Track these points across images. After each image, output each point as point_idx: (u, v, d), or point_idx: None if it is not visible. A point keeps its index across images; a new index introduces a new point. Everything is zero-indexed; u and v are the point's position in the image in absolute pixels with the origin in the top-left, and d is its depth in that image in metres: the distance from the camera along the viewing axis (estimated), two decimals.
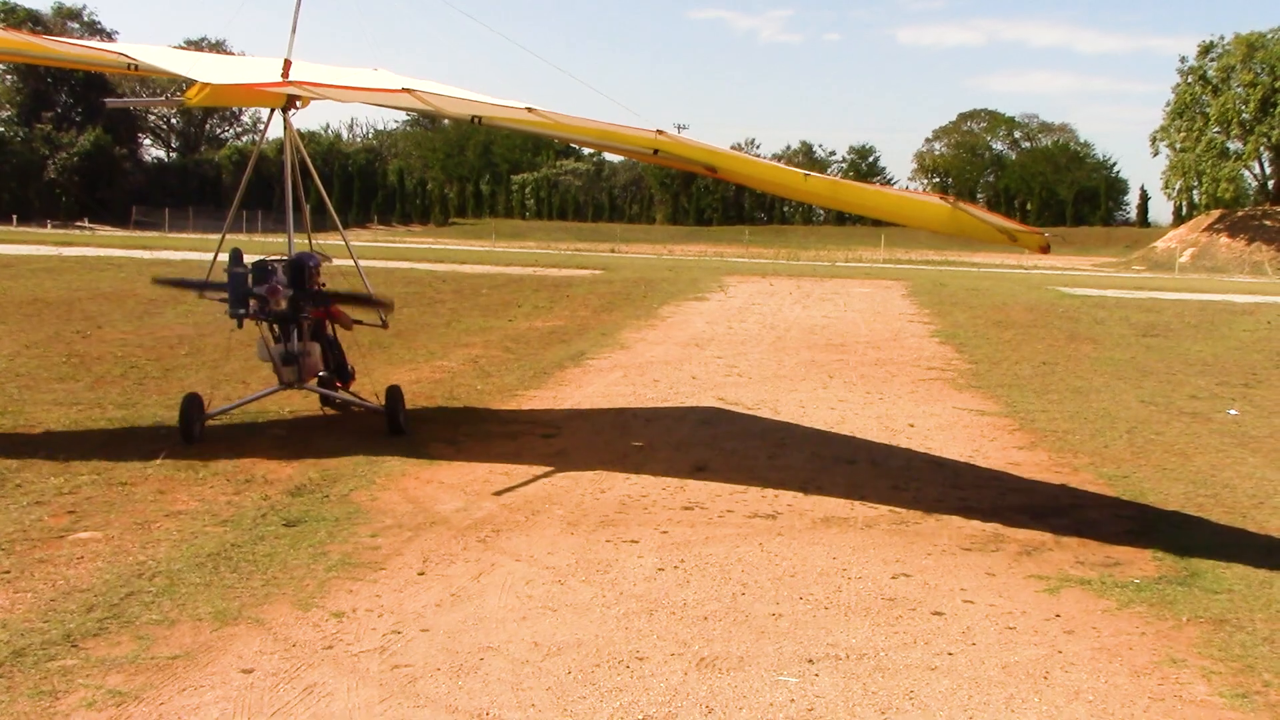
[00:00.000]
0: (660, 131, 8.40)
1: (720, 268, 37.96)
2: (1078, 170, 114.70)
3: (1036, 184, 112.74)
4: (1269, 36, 70.04)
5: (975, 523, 7.45)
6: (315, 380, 10.17)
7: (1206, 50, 72.59)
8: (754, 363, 14.90)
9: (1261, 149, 71.09)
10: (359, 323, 10.71)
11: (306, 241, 10.74)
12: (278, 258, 9.85)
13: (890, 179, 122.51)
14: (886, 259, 58.34)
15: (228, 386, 11.46)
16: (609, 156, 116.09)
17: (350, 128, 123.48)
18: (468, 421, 10.18)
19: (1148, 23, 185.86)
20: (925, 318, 21.98)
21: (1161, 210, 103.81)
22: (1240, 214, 71.75)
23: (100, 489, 7.54)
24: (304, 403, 10.69)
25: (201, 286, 10.47)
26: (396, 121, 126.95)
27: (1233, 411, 12.32)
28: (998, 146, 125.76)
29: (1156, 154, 76.90)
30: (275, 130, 11.23)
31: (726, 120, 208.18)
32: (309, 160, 11.16)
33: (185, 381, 11.67)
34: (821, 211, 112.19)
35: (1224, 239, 69.28)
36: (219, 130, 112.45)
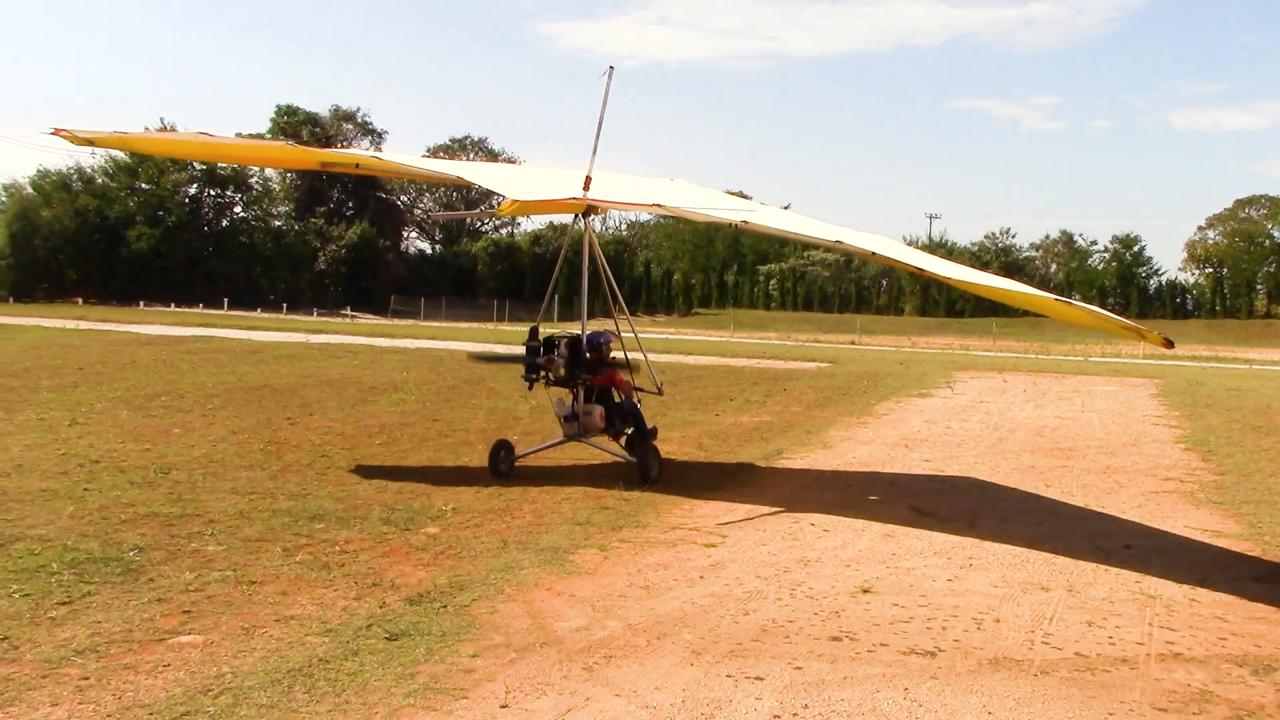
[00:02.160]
0: (875, 254, 10.96)
1: (957, 362, 36.27)
2: None
3: None
4: None
5: (1180, 675, 6.26)
6: (602, 436, 12.61)
7: None
8: (964, 467, 13.72)
9: None
10: (640, 389, 13.05)
11: (615, 324, 13.96)
12: (566, 335, 12.69)
13: (1157, 269, 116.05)
14: (1146, 354, 54.64)
15: (406, 479, 11.35)
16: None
17: (603, 219, 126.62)
18: (629, 526, 9.57)
19: None
20: (1173, 420, 20.03)
21: None
22: None
23: (228, 587, 7.31)
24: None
25: (507, 360, 13.64)
26: (650, 215, 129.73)
27: None
28: (1279, 234, 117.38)
29: None
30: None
31: (983, 209, 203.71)
32: (603, 258, 13.64)
33: (367, 474, 11.61)
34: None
35: None
36: (479, 224, 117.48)
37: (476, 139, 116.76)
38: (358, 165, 15.63)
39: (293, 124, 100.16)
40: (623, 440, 12.71)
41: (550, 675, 5.86)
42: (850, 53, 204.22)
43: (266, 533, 8.86)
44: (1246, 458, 15.21)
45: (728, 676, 5.93)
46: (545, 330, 12.96)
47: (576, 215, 13.21)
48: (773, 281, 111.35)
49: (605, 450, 12.66)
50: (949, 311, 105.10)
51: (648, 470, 11.74)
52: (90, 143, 13.67)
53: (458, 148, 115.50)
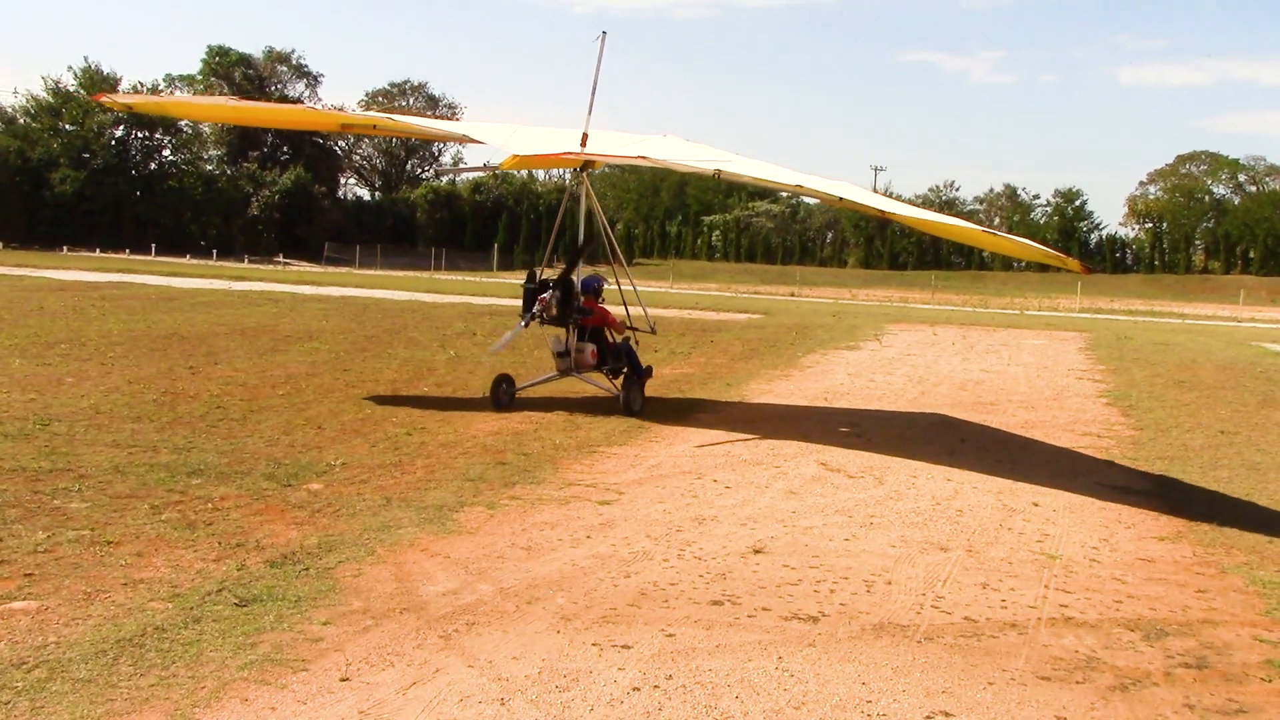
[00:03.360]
0: (841, 199, 12.60)
1: (891, 314, 36.16)
2: None
3: (1261, 230, 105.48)
4: None
5: (1069, 640, 6.02)
6: (594, 372, 13.65)
7: None
8: (883, 419, 13.50)
9: None
10: (634, 329, 14.15)
11: (610, 269, 15.11)
12: (560, 279, 13.46)
13: (1098, 223, 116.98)
14: (1083, 308, 55.07)
15: (299, 432, 10.91)
16: (806, 199, 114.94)
17: (547, 170, 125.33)
18: (523, 482, 9.19)
19: None
20: (1097, 374, 19.96)
21: None
22: None
23: (80, 548, 6.83)
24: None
25: (523, 321, 13.77)
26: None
27: None
28: (1219, 191, 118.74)
29: None
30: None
31: (929, 162, 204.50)
32: (600, 210, 14.67)
33: (260, 425, 11.15)
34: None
35: None
36: (419, 170, 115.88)
37: (416, 84, 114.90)
38: (375, 126, 16.05)
39: (224, 65, 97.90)
40: (621, 378, 13.65)
41: (403, 644, 5.49)
42: (799, 4, 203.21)
43: (138, 488, 8.38)
44: (1166, 413, 15.12)
45: (593, 645, 5.59)
46: (543, 274, 14.09)
47: (575, 169, 14.37)
48: (716, 232, 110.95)
49: (596, 385, 13.78)
50: (891, 264, 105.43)
51: (630, 403, 13.01)
52: (130, 108, 14.72)
53: (397, 92, 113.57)
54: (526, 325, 13.77)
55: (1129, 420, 14.38)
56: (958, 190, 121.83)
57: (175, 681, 4.92)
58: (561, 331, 13.64)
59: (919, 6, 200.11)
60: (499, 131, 15.11)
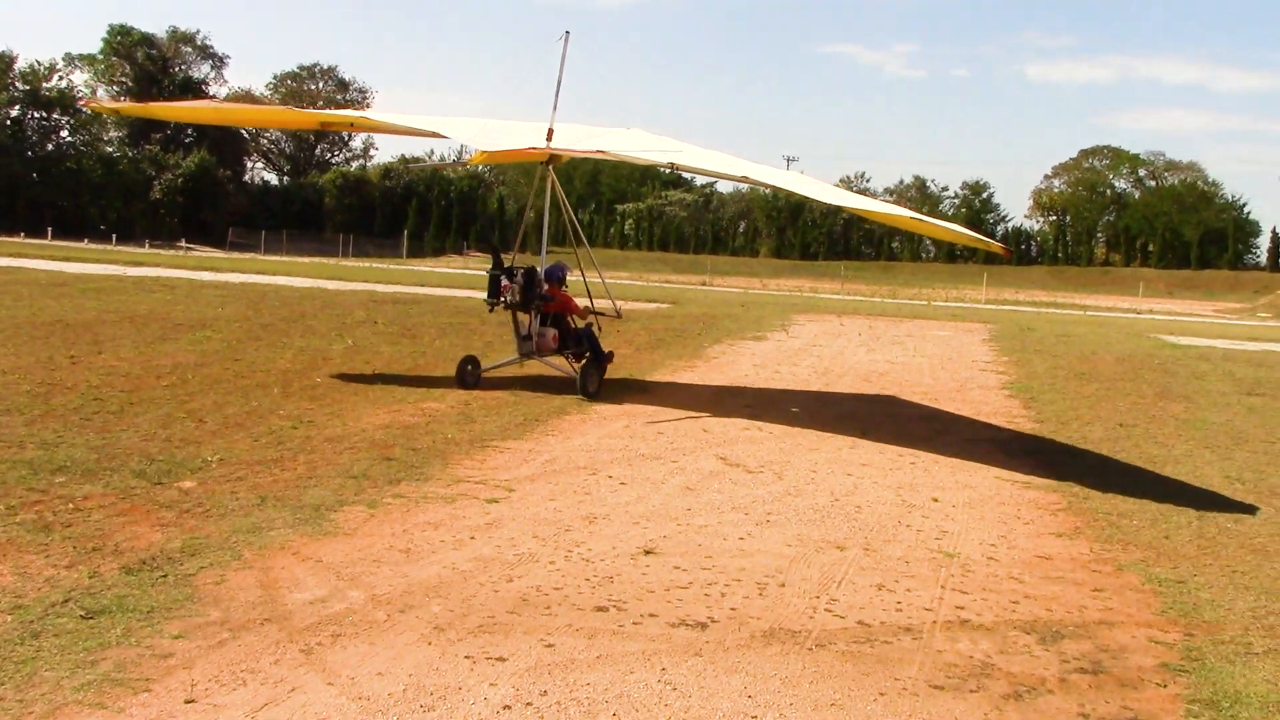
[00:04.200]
0: (791, 190, 14.81)
1: (799, 305, 36.15)
2: (1205, 210, 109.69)
3: (1160, 224, 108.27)
4: None
5: (964, 645, 5.83)
6: (556, 356, 14.37)
7: None
8: (786, 413, 13.31)
9: None
10: (599, 314, 14.87)
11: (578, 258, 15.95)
12: (524, 267, 14.29)
13: (1004, 215, 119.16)
14: (989, 299, 55.80)
15: (179, 425, 10.39)
16: (721, 187, 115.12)
17: (459, 154, 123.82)
18: (409, 479, 8.81)
19: None
20: (1001, 366, 20.03)
21: None
22: None
23: None
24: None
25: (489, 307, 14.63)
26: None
27: None
28: (1121, 185, 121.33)
29: None
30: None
31: (842, 153, 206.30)
32: (566, 200, 15.53)
33: (137, 419, 10.61)
34: (931, 248, 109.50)
35: None
36: (329, 155, 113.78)
37: (326, 67, 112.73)
38: (353, 124, 17.25)
39: (126, 45, 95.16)
40: (583, 362, 14.28)
41: (259, 660, 5.11)
42: None
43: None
44: (1067, 405, 15.16)
45: (466, 657, 5.27)
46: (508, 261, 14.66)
47: (541, 163, 14.82)
48: (629, 221, 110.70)
49: (557, 368, 14.47)
50: (803, 254, 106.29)
51: (586, 385, 13.51)
52: (116, 113, 15.00)
53: (306, 75, 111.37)
54: (492, 310, 14.69)
55: (1030, 413, 14.38)
56: (868, 181, 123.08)
57: (0, 706, 4.49)
58: (525, 316, 14.26)
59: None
60: (468, 128, 15.84)
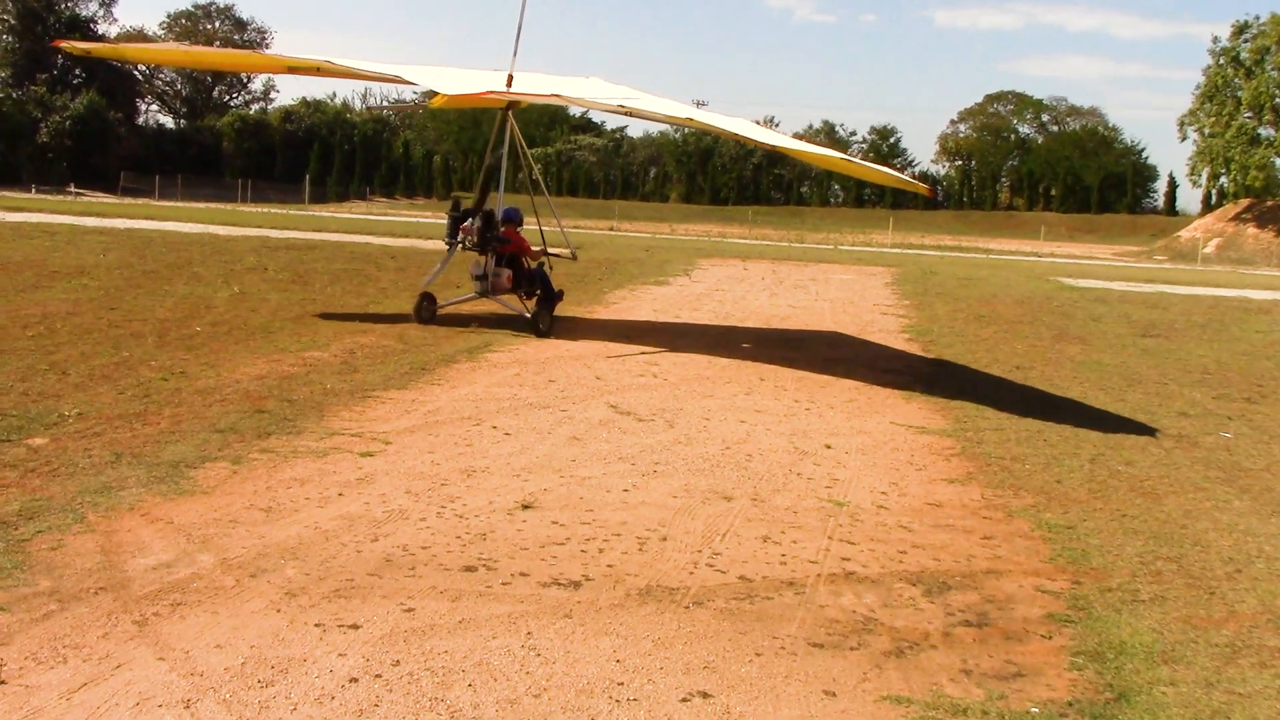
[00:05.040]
0: (736, 134, 15.39)
1: (704, 249, 35.85)
2: (1105, 155, 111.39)
3: (1062, 169, 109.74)
4: None
5: (847, 599, 5.61)
6: (510, 296, 14.99)
7: (1240, 31, 69.23)
8: (683, 359, 13.04)
9: None
10: (555, 255, 15.52)
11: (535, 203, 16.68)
12: (483, 209, 15.00)
13: (911, 160, 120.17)
14: (894, 243, 56.13)
15: (40, 378, 9.79)
16: (631, 132, 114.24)
17: (364, 97, 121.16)
18: (280, 432, 8.35)
19: (1189, 7, 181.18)
20: (902, 310, 19.99)
21: (1191, 199, 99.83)
22: (1270, 204, 68.71)
23: None
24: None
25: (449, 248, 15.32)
26: (415, 94, 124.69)
27: (1226, 434, 10.42)
28: (1024, 130, 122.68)
29: (1185, 139, 73.50)
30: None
31: (751, 98, 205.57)
32: (525, 147, 15.99)
33: None
34: (840, 192, 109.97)
35: (1252, 229, 66.55)
36: (227, 97, 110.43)
37: (222, 6, 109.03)
38: (319, 69, 15.93)
39: None
40: (534, 301, 14.84)
41: (86, 634, 4.69)
42: None
43: None
44: (965, 348, 15.12)
45: (317, 625, 4.90)
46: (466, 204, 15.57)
47: (501, 108, 15.54)
48: (538, 166, 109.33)
49: (509, 307, 15.09)
50: (713, 199, 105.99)
51: (538, 323, 14.23)
52: (88, 53, 15.06)
53: (201, 14, 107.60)
54: (451, 252, 15.23)
55: (930, 354, 14.29)
56: (777, 125, 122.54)
57: None
58: (481, 257, 14.79)
59: None
60: (429, 73, 16.01)
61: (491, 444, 8.44)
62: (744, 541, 6.43)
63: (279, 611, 5.03)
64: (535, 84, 15.40)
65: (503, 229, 14.84)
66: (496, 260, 14.78)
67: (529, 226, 15.96)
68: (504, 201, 15.16)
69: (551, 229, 16.26)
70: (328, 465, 7.55)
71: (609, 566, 5.88)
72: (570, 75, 17.02)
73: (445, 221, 15.38)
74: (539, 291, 14.92)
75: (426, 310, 14.57)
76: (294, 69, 17.84)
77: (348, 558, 5.78)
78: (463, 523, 6.48)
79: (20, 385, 9.50)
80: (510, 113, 15.30)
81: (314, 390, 9.96)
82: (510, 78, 14.95)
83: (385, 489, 7.08)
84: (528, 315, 14.50)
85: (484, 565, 5.78)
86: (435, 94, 14.62)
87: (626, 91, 15.91)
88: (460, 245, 14.88)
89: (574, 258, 16.21)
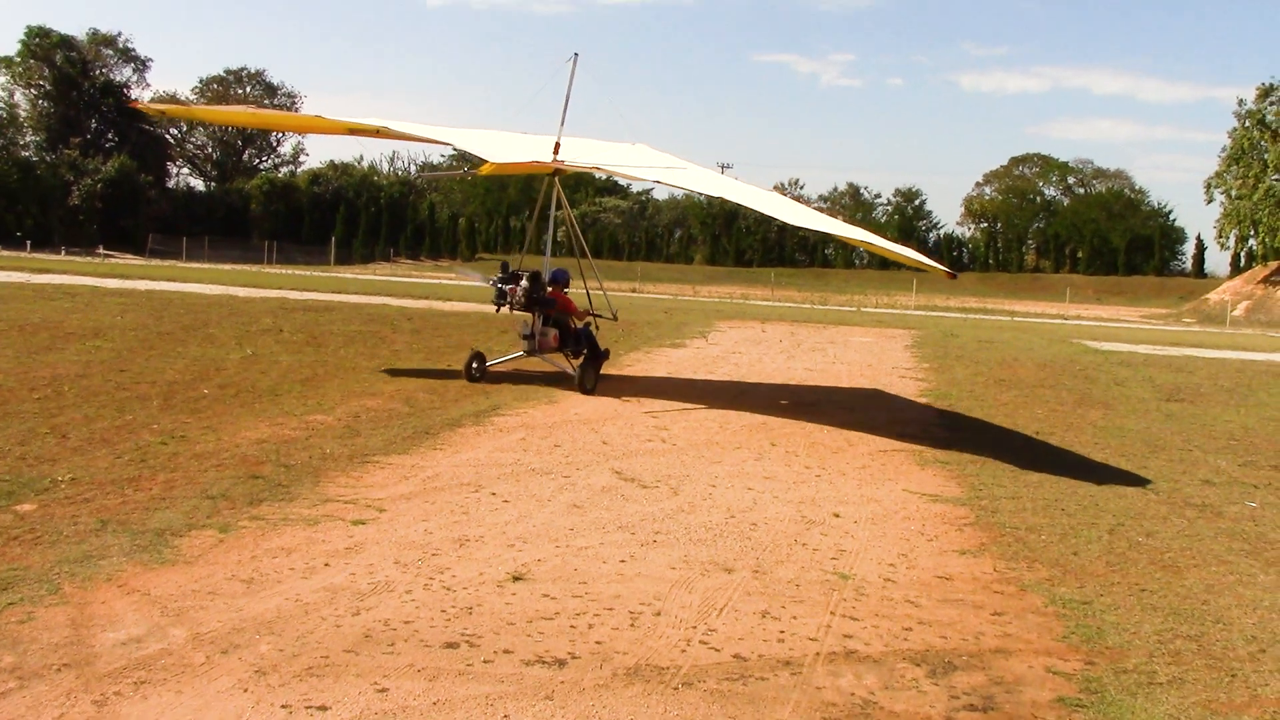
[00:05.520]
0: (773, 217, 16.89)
1: (725, 311, 35.67)
2: (1132, 218, 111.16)
3: (1088, 231, 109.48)
4: None
5: (847, 680, 5.34)
6: (559, 354, 15.59)
7: (1266, 94, 69.15)
8: (693, 423, 12.81)
9: None
10: (600, 315, 16.15)
11: (579, 267, 17.36)
12: (529, 270, 15.56)
13: (936, 223, 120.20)
14: (919, 305, 55.86)
15: (39, 441, 9.65)
16: (656, 194, 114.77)
17: (391, 160, 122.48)
18: (273, 499, 8.17)
19: (1215, 71, 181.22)
20: (921, 373, 19.71)
21: (1220, 261, 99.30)
22: None
23: None
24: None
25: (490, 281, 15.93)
26: (442, 156, 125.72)
27: (1252, 504, 10.09)
28: (1050, 192, 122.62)
29: (1211, 201, 73.27)
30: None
31: (778, 161, 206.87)
32: (570, 211, 17.22)
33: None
34: (865, 255, 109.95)
35: None
36: (256, 160, 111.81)
37: (254, 71, 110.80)
38: (378, 131, 16.27)
39: (44, 47, 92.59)
40: (581, 359, 15.25)
41: (42, 714, 4.48)
42: (656, 3, 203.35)
43: None
44: (984, 412, 14.83)
45: (284, 707, 4.67)
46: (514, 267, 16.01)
47: (547, 176, 16.19)
48: (563, 228, 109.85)
49: (556, 365, 15.70)
50: (737, 261, 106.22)
51: (584, 381, 14.70)
52: (162, 114, 16.34)
53: (233, 80, 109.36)
54: (499, 310, 15.78)
55: (946, 421, 14.01)
56: (803, 188, 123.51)
57: None
58: (529, 316, 15.44)
59: (776, 7, 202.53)
60: (479, 139, 16.59)
61: (488, 511, 8.22)
62: (742, 616, 6.18)
63: (246, 691, 4.81)
64: (582, 151, 16.15)
65: (550, 290, 15.45)
66: (544, 320, 15.39)
67: (575, 290, 16.75)
68: (548, 265, 15.97)
69: (596, 291, 17.36)
70: (317, 534, 7.35)
71: (597, 643, 5.63)
72: (617, 141, 17.79)
73: (493, 286, 15.79)
74: (585, 350, 15.45)
75: (477, 370, 15.10)
76: (354, 131, 18.50)
77: (326, 633, 5.56)
78: (450, 595, 6.25)
79: (19, 449, 9.37)
80: (557, 179, 16.01)
81: (312, 455, 9.78)
82: (557, 145, 15.68)
83: (374, 559, 6.86)
84: (572, 373, 14.99)
85: (467, 641, 5.55)
86: (483, 161, 14.86)
87: (670, 160, 16.62)
88: (509, 306, 15.43)
89: (615, 318, 16.78)
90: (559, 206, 16.23)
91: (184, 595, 5.99)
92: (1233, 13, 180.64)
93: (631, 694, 5.01)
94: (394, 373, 15.53)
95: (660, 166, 16.31)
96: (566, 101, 16.36)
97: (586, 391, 14.48)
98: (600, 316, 16.18)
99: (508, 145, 16.28)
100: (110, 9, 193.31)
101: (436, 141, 19.62)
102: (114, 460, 9.18)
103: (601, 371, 15.59)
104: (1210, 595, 7.11)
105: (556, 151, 15.65)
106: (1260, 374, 23.17)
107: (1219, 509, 9.77)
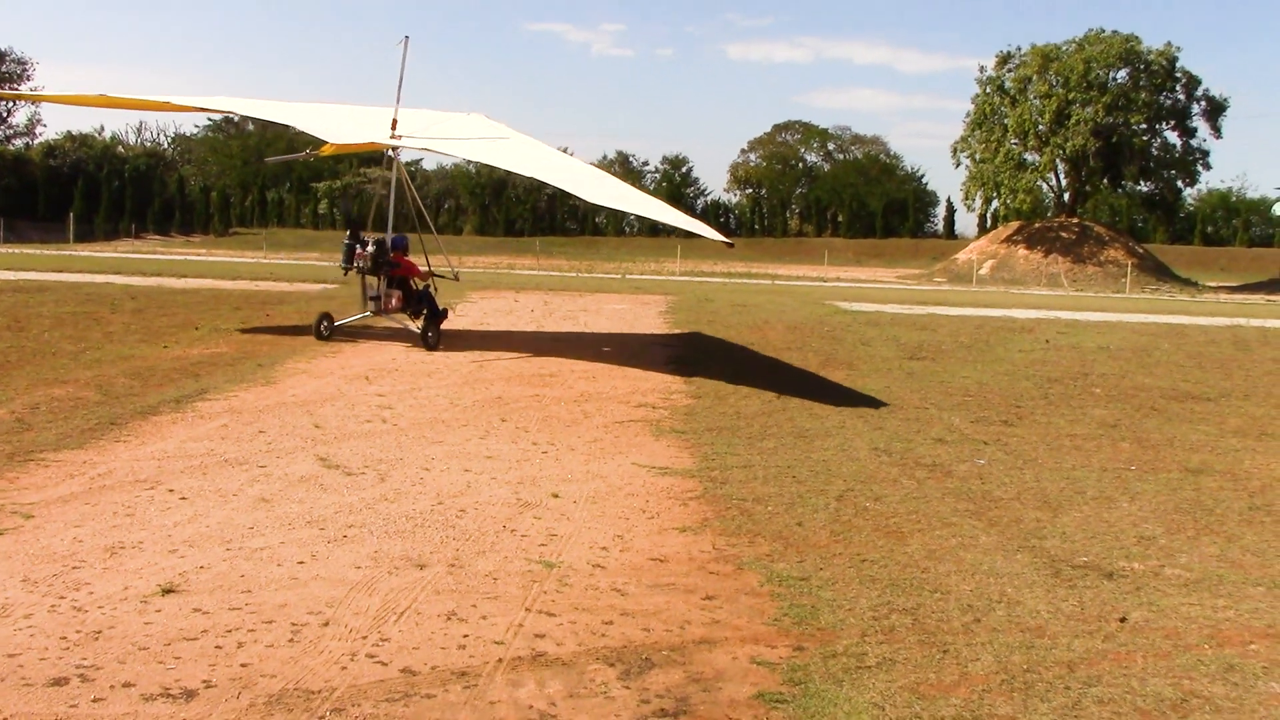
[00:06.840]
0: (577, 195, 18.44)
1: (482, 281, 34.65)
2: (888, 182, 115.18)
3: (847, 195, 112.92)
4: (1063, 48, 70.08)
5: (527, 690, 4.72)
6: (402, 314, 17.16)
7: (1004, 61, 72.28)
8: (422, 400, 12.02)
9: (1056, 160, 71.05)
10: (439, 275, 17.51)
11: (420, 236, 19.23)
12: (377, 236, 17.25)
13: (704, 189, 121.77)
14: (685, 271, 56.20)
15: None
16: (425, 165, 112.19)
17: (139, 130, 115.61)
18: None
19: (968, 42, 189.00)
20: (670, 340, 19.42)
21: (969, 223, 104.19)
22: (1037, 225, 71.94)
23: None
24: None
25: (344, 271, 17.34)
26: (197, 126, 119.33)
27: (981, 461, 10.04)
28: (811, 158, 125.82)
29: (958, 165, 76.31)
30: None
31: (548, 129, 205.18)
32: (411, 185, 18.36)
33: None
34: (635, 222, 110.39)
35: (1022, 250, 69.35)
36: None
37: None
38: (205, 109, 16.36)
39: None
40: (422, 319, 16.74)
41: None
42: None
43: None
44: (728, 378, 14.53)
45: None
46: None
47: (385, 152, 17.92)
48: (324, 201, 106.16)
49: (400, 324, 17.57)
50: (507, 231, 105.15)
51: (427, 339, 16.15)
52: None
53: None
54: (347, 273, 17.38)
55: (689, 388, 13.65)
56: (572, 155, 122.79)
57: None
58: (374, 279, 16.86)
59: None
60: (315, 117, 17.93)
61: (158, 512, 7.25)
62: (424, 621, 5.49)
63: None
64: (420, 123, 17.51)
65: (392, 255, 16.81)
66: (388, 283, 16.76)
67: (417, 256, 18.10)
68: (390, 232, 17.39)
69: (436, 256, 18.82)
70: None
71: (242, 666, 4.84)
72: (453, 111, 19.09)
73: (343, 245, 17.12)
74: (425, 310, 16.82)
75: (325, 329, 16.55)
76: (204, 109, 19.52)
77: None
78: (79, 618, 5.33)
79: None
80: (396, 154, 18.01)
81: (11, 447, 8.59)
82: (395, 121, 16.94)
83: None
84: (417, 330, 16.54)
85: (80, 675, 4.67)
86: (323, 141, 16.70)
87: (502, 129, 18.07)
88: (355, 269, 16.77)
89: (456, 278, 18.32)
90: (400, 184, 17.79)
91: None
92: None
93: None
94: (99, 358, 14.10)
95: (493, 137, 17.71)
96: (400, 83, 17.69)
97: (430, 348, 15.86)
98: (441, 276, 17.51)
99: (345, 122, 17.72)
100: None
101: (279, 123, 21.28)
102: None
103: (336, 348, 14.79)
104: (931, 562, 6.84)
105: (394, 128, 16.89)
106: (998, 329, 23.89)
107: (949, 468, 9.67)
